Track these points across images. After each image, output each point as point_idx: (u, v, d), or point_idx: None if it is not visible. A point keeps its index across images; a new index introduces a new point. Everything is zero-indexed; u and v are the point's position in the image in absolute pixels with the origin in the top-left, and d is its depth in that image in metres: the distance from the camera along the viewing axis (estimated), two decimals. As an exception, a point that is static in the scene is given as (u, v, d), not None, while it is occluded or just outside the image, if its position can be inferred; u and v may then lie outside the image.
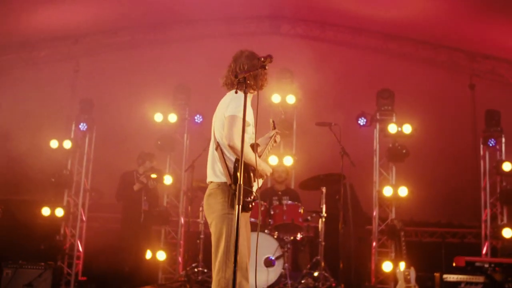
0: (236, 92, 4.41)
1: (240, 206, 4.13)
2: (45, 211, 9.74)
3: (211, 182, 4.64)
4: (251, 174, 4.55)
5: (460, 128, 11.85)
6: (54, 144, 10.00)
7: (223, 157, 4.52)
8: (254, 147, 4.58)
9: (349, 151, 8.42)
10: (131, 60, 12.07)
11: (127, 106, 11.07)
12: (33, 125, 10.48)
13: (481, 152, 10.20)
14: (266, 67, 4.58)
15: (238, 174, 4.23)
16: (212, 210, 4.58)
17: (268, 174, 4.76)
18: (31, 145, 10.32)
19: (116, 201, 9.44)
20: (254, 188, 4.60)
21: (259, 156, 4.76)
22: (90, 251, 10.15)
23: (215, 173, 4.60)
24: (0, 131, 10.50)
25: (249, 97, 4.63)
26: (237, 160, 4.42)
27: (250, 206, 4.50)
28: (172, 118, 10.22)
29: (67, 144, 9.98)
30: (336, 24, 13.05)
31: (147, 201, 9.36)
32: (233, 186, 4.40)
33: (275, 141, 5.02)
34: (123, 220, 9.35)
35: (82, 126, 10.21)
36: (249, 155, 4.43)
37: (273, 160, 9.86)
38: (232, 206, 4.42)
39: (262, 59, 4.59)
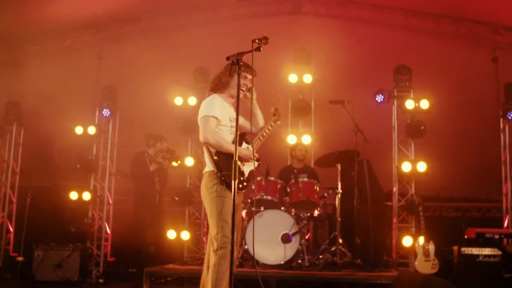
0: (230, 75, 5.03)
1: (234, 186, 4.49)
2: (73, 196, 10.09)
3: (205, 171, 5.30)
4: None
5: (482, 102, 11.71)
6: (79, 130, 10.33)
7: (209, 151, 5.21)
8: (239, 137, 5.02)
9: (367, 128, 8.48)
10: (153, 46, 12.27)
11: (149, 90, 11.32)
12: (59, 112, 10.81)
13: (501, 126, 10.10)
14: (261, 49, 4.77)
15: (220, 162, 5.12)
16: (204, 194, 5.23)
17: (250, 158, 5.33)
18: (57, 132, 10.68)
19: (132, 182, 9.64)
20: (247, 171, 5.37)
21: (249, 143, 5.43)
22: (117, 233, 10.48)
23: (209, 162, 5.24)
24: (27, 119, 10.87)
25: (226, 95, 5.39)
26: (216, 152, 5.14)
27: (241, 186, 5.20)
28: (192, 101, 10.42)
29: (92, 130, 10.30)
30: (357, 2, 12.99)
31: (159, 182, 9.53)
32: (218, 173, 5.09)
33: (271, 126, 5.66)
34: (137, 202, 9.45)
35: (105, 112, 10.49)
36: (224, 146, 5.11)
37: (291, 139, 10.00)
38: (225, 189, 5.08)
39: (257, 40, 4.75)
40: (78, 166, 10.24)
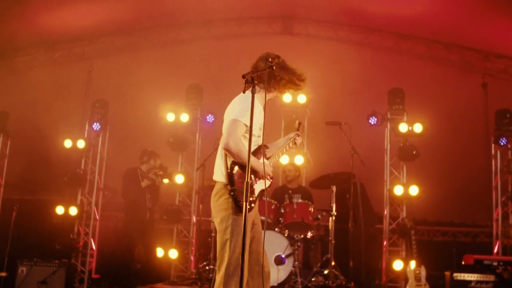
0: (244, 92, 4.42)
1: (246, 206, 4.14)
2: (59, 210, 9.88)
3: (217, 181, 4.70)
4: (252, 176, 4.60)
5: (472, 128, 11.83)
6: (68, 143, 10.14)
7: (225, 160, 4.62)
8: (259, 149, 4.71)
9: (360, 150, 8.44)
10: (145, 61, 12.17)
11: (140, 106, 11.21)
12: (47, 125, 10.62)
13: (492, 151, 10.17)
14: (274, 68, 4.62)
15: (234, 175, 4.53)
16: (217, 210, 4.64)
17: (267, 176, 4.77)
18: (45, 145, 10.49)
19: (122, 198, 9.47)
20: (258, 189, 4.72)
21: (267, 159, 4.88)
22: (103, 249, 10.27)
23: (222, 172, 4.66)
24: (14, 131, 10.66)
25: (259, 98, 4.73)
26: (233, 162, 4.56)
27: (249, 206, 4.45)
28: (184, 117, 10.34)
29: (81, 144, 10.12)
30: (349, 24, 13.07)
31: (151, 199, 9.39)
32: (228, 187, 4.54)
33: (294, 143, 5.12)
34: (128, 218, 9.28)
35: (96, 126, 10.33)
36: (245, 159, 4.38)
37: (284, 159, 9.93)
38: (234, 207, 4.54)
39: (270, 59, 4.67)
40: (65, 179, 10.04)
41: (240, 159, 4.51)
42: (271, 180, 4.92)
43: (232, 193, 4.53)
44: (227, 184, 4.56)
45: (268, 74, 4.65)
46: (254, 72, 4.50)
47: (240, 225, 4.36)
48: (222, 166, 4.64)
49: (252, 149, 4.43)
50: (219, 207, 4.63)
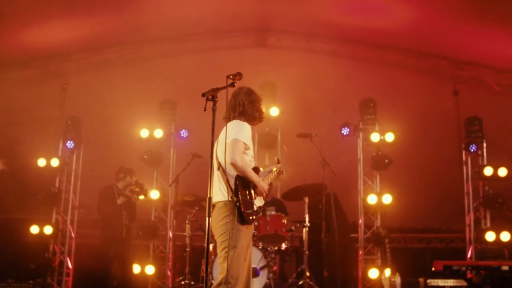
0: (204, 110, 4.70)
1: (245, 218, 4.67)
2: (34, 229, 9.84)
3: (218, 201, 4.96)
4: (252, 191, 4.99)
5: (444, 135, 11.96)
6: (41, 162, 10.12)
7: (225, 174, 4.91)
8: (255, 170, 5.07)
9: (333, 161, 8.54)
10: (118, 77, 12.15)
11: (114, 122, 11.18)
12: (20, 143, 10.57)
13: (464, 158, 10.30)
14: (235, 85, 4.90)
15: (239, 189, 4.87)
16: (218, 226, 4.88)
17: (264, 193, 5.13)
18: (19, 163, 10.44)
19: (98, 215, 9.43)
20: (257, 205, 5.05)
21: None
22: (79, 267, 10.22)
23: (221, 192, 4.94)
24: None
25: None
26: (237, 177, 4.88)
27: (251, 218, 4.91)
28: (158, 133, 10.37)
29: (55, 162, 10.10)
30: (322, 35, 13.16)
31: (127, 216, 9.36)
32: (234, 198, 4.84)
33: (277, 175, 5.60)
34: (104, 235, 9.24)
35: (70, 144, 10.31)
36: (250, 173, 4.90)
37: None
38: (237, 222, 4.81)
39: (231, 76, 4.83)
40: (40, 197, 10.00)
41: (244, 173, 4.87)
42: (264, 200, 5.29)
43: (237, 204, 4.79)
44: (232, 197, 4.83)
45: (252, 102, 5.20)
46: (214, 90, 4.66)
47: (243, 237, 4.76)
48: (222, 186, 4.94)
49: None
50: (221, 222, 4.86)
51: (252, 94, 5.24)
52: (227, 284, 4.68)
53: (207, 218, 4.43)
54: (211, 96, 4.67)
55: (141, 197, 9.46)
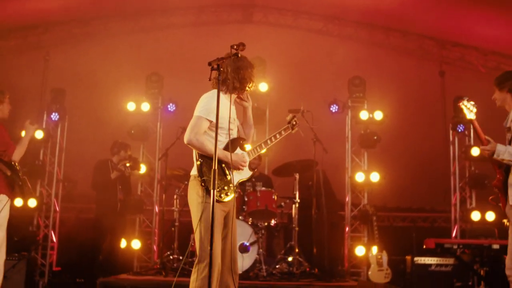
0: (209, 79, 4.63)
1: (214, 193, 4.30)
2: (18, 202, 9.62)
3: (191, 174, 4.87)
4: (223, 166, 4.80)
5: (430, 115, 12.06)
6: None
7: (195, 153, 4.81)
8: (234, 142, 4.88)
9: (321, 138, 8.50)
10: (103, 50, 11.96)
11: (100, 95, 11.04)
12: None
13: (451, 138, 10.37)
14: (239, 55, 4.71)
15: (203, 166, 4.71)
16: (190, 200, 4.81)
17: (240, 166, 4.90)
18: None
19: (92, 190, 9.34)
20: (236, 179, 4.88)
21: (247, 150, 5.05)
22: (64, 242, 10.09)
23: (195, 165, 4.82)
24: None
25: (226, 96, 4.90)
26: (200, 156, 4.74)
27: (221, 196, 4.70)
28: (145, 107, 10.22)
29: (39, 134, 9.86)
30: (308, 12, 13.13)
31: (122, 190, 9.30)
32: (199, 178, 4.68)
33: (292, 128, 5.39)
34: (99, 210, 9.22)
35: (54, 116, 10.09)
36: (209, 150, 4.66)
37: (246, 147, 9.89)
38: (207, 196, 4.64)
39: (235, 46, 4.69)
40: (24, 170, 9.77)
41: (204, 151, 4.71)
42: (252, 171, 5.15)
43: (202, 183, 4.65)
44: (197, 176, 4.70)
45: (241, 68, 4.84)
46: (220, 59, 4.53)
47: (209, 212, 4.41)
48: (194, 160, 4.82)
49: (225, 142, 4.81)
50: (191, 197, 4.78)
51: (240, 61, 4.86)
52: (200, 262, 4.55)
53: (212, 191, 4.31)
54: (216, 65, 4.56)
55: (137, 171, 9.40)
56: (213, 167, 4.32)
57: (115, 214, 9.13)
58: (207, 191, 4.63)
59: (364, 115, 9.95)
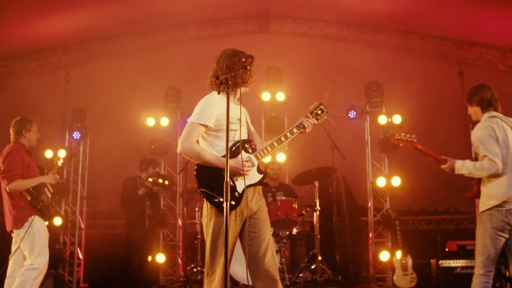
0: (218, 93, 4.38)
1: (227, 205, 4.06)
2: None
3: None
4: (223, 174, 4.29)
5: (450, 116, 11.94)
6: (49, 154, 10.07)
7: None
8: (237, 145, 4.54)
9: (340, 144, 8.50)
10: (122, 66, 12.15)
11: (119, 112, 11.17)
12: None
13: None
14: (248, 67, 4.57)
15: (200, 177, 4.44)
16: (203, 215, 4.62)
17: (239, 172, 4.48)
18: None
19: (121, 206, 9.49)
20: (242, 186, 4.49)
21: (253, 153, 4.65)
22: (90, 258, 10.23)
23: None
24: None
25: (232, 94, 4.68)
26: (197, 165, 4.50)
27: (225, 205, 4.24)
28: (164, 121, 10.32)
29: (62, 154, 10.05)
30: (324, 19, 13.16)
31: (151, 206, 9.44)
32: (199, 190, 4.45)
33: (303, 127, 5.00)
34: (128, 225, 9.39)
35: (76, 135, 10.29)
36: (204, 158, 4.42)
37: (266, 158, 9.93)
38: (208, 208, 4.48)
39: (244, 59, 4.66)
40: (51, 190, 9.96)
41: (198, 160, 4.46)
42: (263, 174, 4.69)
43: (202, 195, 4.43)
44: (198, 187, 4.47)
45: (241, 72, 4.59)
46: (227, 72, 4.52)
47: (218, 227, 4.37)
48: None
49: (230, 145, 4.34)
50: (203, 212, 4.60)
51: (234, 57, 4.63)
52: (207, 276, 4.40)
53: (224, 203, 4.06)
54: (225, 79, 4.50)
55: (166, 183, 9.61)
56: (225, 179, 4.07)
57: (144, 230, 9.28)
58: (210, 204, 4.42)
59: (382, 119, 9.91)
